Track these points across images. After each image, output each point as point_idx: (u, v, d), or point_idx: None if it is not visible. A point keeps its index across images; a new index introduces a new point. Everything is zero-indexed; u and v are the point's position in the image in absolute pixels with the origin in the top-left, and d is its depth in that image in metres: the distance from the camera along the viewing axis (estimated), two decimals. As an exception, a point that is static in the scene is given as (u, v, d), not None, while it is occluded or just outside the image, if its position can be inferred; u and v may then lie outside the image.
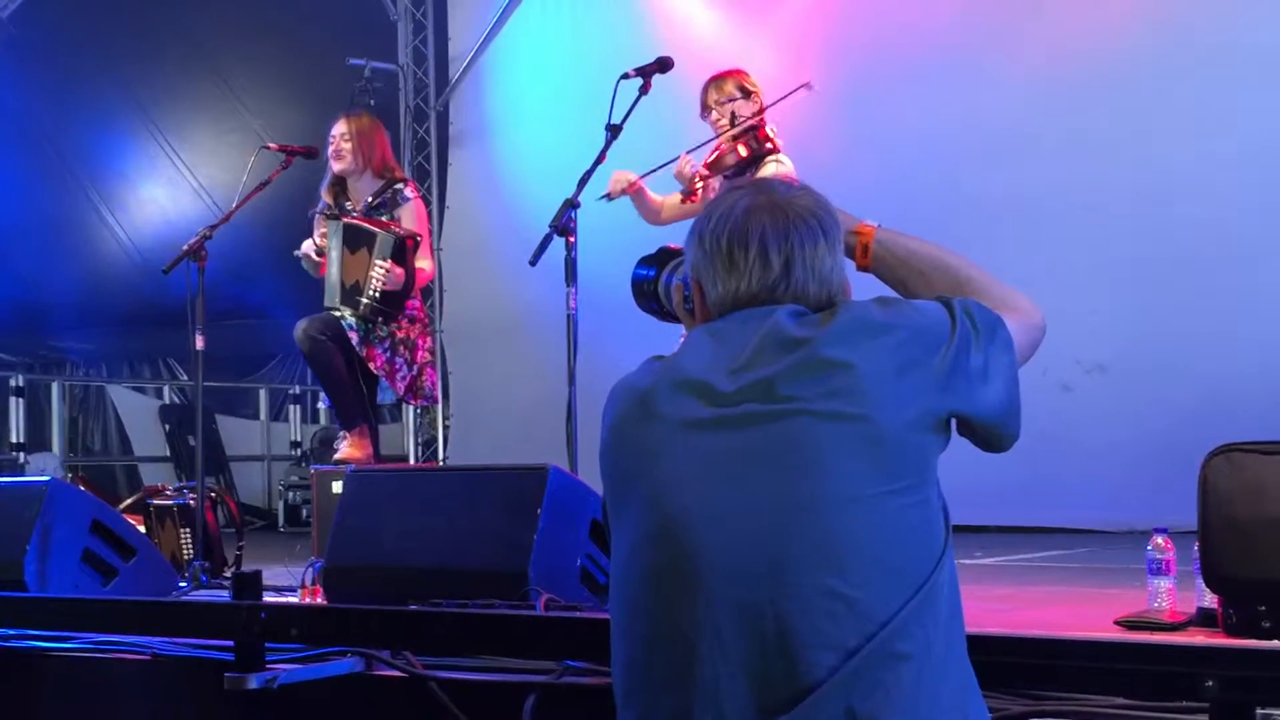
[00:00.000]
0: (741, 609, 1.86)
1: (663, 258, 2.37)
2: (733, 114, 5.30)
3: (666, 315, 2.37)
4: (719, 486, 1.90)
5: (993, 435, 2.04)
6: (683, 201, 5.27)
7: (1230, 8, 7.39)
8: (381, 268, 5.68)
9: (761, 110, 5.35)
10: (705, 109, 5.37)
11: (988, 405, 2.00)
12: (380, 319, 5.80)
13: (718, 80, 5.36)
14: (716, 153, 5.21)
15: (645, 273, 2.37)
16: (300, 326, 5.84)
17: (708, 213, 2.10)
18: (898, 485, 1.89)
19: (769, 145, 5.16)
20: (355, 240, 5.78)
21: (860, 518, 1.86)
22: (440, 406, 10.20)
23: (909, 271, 2.24)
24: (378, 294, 5.69)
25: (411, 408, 10.24)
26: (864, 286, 2.16)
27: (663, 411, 1.97)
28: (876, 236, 2.26)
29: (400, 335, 5.89)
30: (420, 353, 5.98)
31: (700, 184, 5.12)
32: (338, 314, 5.82)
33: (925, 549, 1.90)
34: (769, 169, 5.10)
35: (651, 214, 5.48)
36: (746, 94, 5.36)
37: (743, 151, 5.14)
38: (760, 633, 1.85)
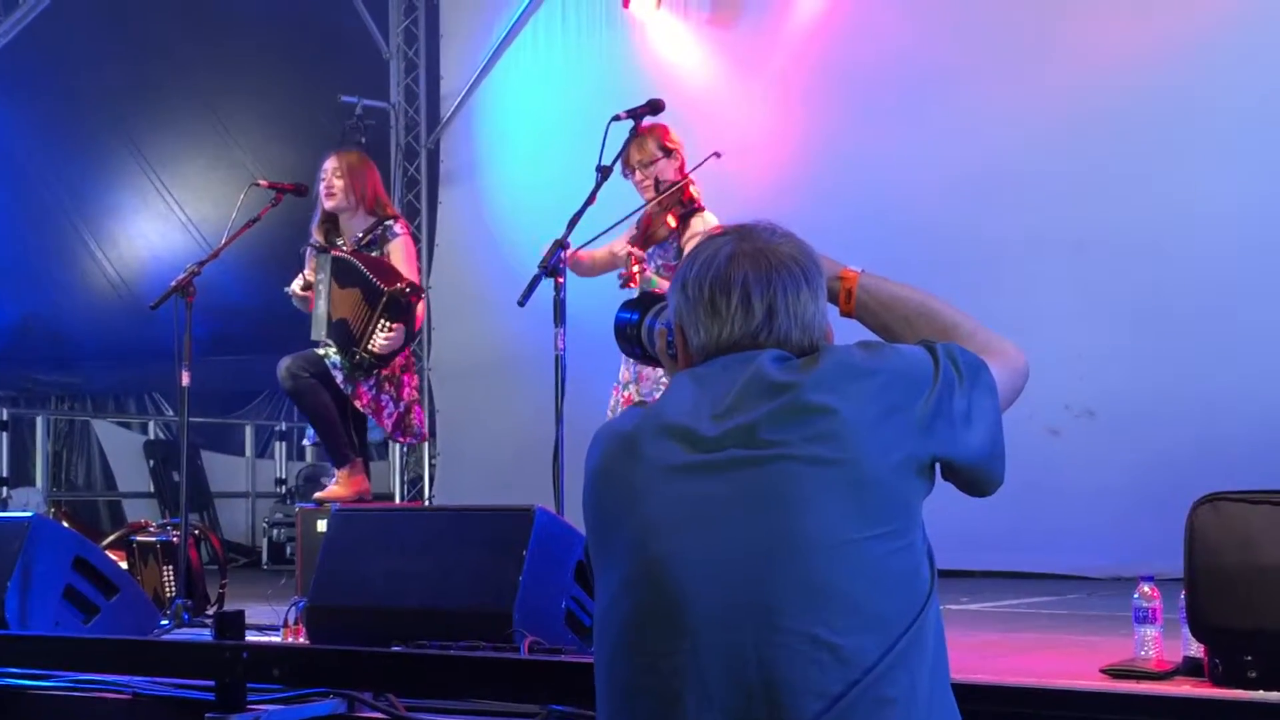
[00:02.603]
0: (725, 655, 1.85)
1: (646, 302, 2.37)
2: (657, 180, 5.35)
3: (649, 359, 2.38)
4: (702, 532, 1.89)
5: (976, 479, 2.04)
6: (623, 287, 5.28)
7: (1224, 55, 7.42)
8: (387, 328, 5.67)
9: (683, 166, 5.41)
10: (628, 167, 5.39)
11: (971, 449, 1.99)
12: (377, 370, 5.80)
13: (639, 139, 5.34)
14: (646, 225, 5.31)
15: (628, 317, 2.38)
16: (283, 365, 5.83)
17: (691, 259, 2.10)
18: (882, 530, 1.88)
19: (696, 204, 5.29)
20: (346, 276, 5.77)
21: (844, 563, 1.85)
22: (427, 445, 10.18)
23: (893, 317, 2.24)
24: (375, 350, 5.69)
25: (398, 445, 10.22)
26: (848, 332, 2.16)
27: (646, 456, 1.97)
28: (860, 282, 2.26)
29: (385, 372, 5.87)
30: (407, 390, 5.97)
31: (636, 267, 5.16)
32: (321, 352, 5.81)
33: (910, 594, 1.89)
34: (695, 225, 5.22)
35: (580, 268, 5.47)
36: (668, 153, 5.40)
37: (671, 222, 5.29)
38: (744, 679, 1.83)
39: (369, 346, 5.70)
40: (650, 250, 5.35)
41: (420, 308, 5.99)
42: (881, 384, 1.93)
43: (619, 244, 5.41)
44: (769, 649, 1.83)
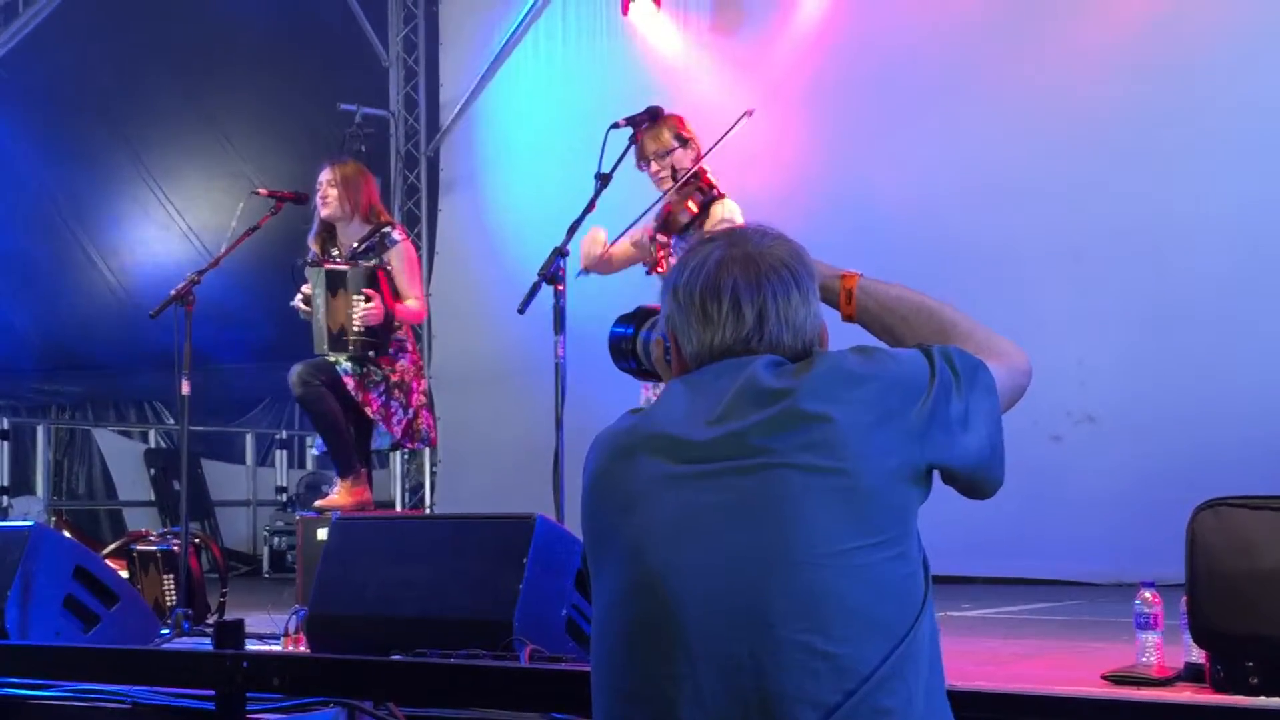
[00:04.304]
0: (721, 665, 1.84)
1: (640, 316, 2.36)
2: (673, 168, 5.30)
3: (643, 373, 2.37)
4: (698, 541, 1.89)
5: (976, 483, 2.02)
6: (648, 273, 5.27)
7: (1224, 58, 7.43)
8: (358, 302, 5.71)
9: (699, 156, 5.35)
10: (643, 159, 5.35)
11: (968, 454, 1.97)
12: (372, 353, 5.80)
13: (654, 129, 5.32)
14: (667, 213, 5.24)
15: (623, 331, 2.37)
16: (295, 371, 5.86)
17: (681, 265, 2.09)
18: (878, 539, 1.87)
19: (715, 190, 5.20)
20: (334, 284, 5.81)
21: (840, 572, 1.84)
22: (428, 453, 10.18)
23: (893, 318, 2.22)
24: (362, 329, 5.72)
25: (399, 454, 10.21)
26: (847, 336, 2.15)
27: (641, 464, 1.96)
28: (860, 284, 2.25)
29: (395, 379, 5.91)
30: (415, 395, 5.99)
31: (662, 253, 5.14)
32: (332, 358, 5.84)
33: (906, 602, 1.88)
34: (716, 213, 5.14)
35: (605, 265, 5.46)
36: (684, 142, 5.36)
37: (693, 207, 5.19)
38: (740, 689, 1.83)
39: (353, 327, 5.72)
40: (673, 240, 5.30)
41: (414, 300, 5.98)
42: (876, 391, 1.92)
43: (639, 234, 5.35)
44: (765, 658, 1.82)
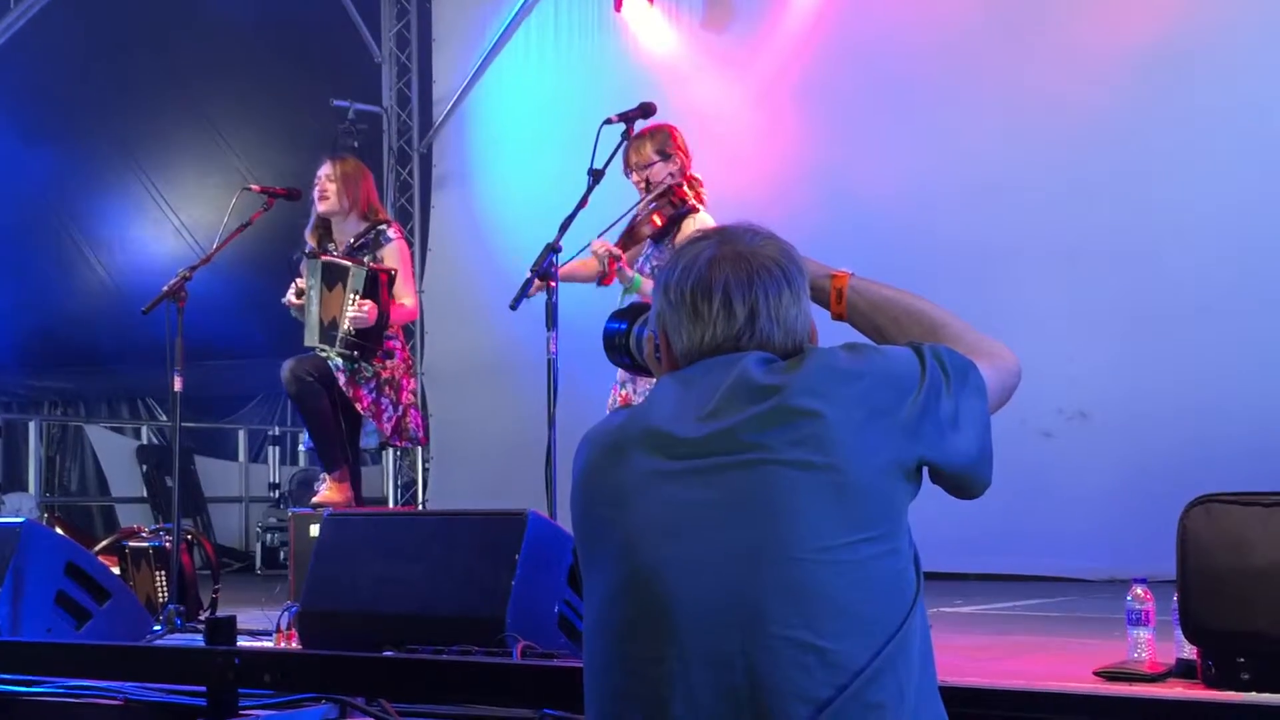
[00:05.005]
0: (713, 662, 1.84)
1: (634, 311, 2.38)
2: (648, 181, 5.28)
3: (637, 368, 2.38)
4: (689, 538, 1.89)
5: (964, 482, 2.02)
6: (599, 284, 5.25)
7: (1215, 63, 7.44)
8: (356, 303, 5.70)
9: (686, 168, 5.33)
10: (627, 167, 5.34)
11: (958, 453, 1.98)
12: (357, 353, 5.78)
13: (638, 141, 5.29)
14: (630, 227, 5.22)
15: (617, 326, 2.38)
16: (287, 366, 5.85)
17: (673, 263, 2.09)
18: (868, 534, 1.87)
19: (688, 205, 5.18)
20: (332, 277, 5.81)
21: (830, 568, 1.85)
22: (420, 449, 10.17)
23: (883, 318, 2.23)
24: (353, 330, 5.70)
25: (392, 450, 10.21)
26: (836, 335, 2.15)
27: (632, 460, 1.96)
28: (850, 283, 2.26)
29: (385, 375, 5.90)
30: (405, 394, 5.98)
31: (614, 265, 5.12)
32: (323, 354, 5.83)
33: (896, 598, 1.89)
34: (687, 227, 5.09)
35: (580, 279, 5.41)
36: (666, 156, 5.30)
37: (658, 221, 5.17)
38: (732, 685, 1.83)
39: (344, 326, 5.71)
40: (647, 250, 5.31)
41: (408, 298, 5.96)
42: (867, 387, 1.93)
43: (598, 244, 5.32)
44: (756, 654, 1.82)
